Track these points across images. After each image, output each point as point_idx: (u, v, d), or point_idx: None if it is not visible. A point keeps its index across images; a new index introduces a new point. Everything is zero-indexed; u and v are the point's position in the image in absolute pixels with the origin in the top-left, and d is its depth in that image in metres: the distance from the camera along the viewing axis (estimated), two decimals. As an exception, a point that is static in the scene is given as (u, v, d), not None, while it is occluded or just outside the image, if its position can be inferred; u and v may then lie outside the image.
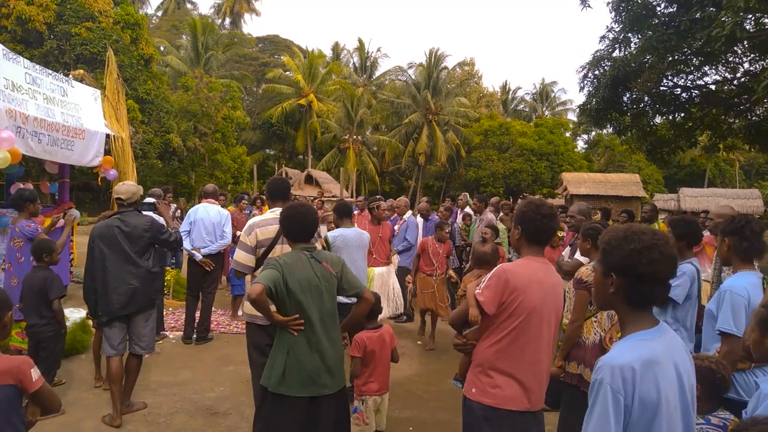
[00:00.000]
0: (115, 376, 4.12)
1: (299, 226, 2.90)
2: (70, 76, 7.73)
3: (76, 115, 6.75)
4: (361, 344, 3.45)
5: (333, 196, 23.87)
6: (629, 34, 10.17)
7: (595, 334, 3.20)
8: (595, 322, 3.22)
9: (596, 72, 10.88)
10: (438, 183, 39.02)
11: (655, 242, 1.57)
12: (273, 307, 2.75)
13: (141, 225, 4.15)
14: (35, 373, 2.17)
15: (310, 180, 28.37)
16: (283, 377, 2.75)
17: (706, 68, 10.57)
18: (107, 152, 7.40)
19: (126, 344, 4.25)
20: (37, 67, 6.47)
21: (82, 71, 8.89)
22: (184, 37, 35.10)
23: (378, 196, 7.00)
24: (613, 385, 1.50)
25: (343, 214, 4.90)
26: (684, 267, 3.63)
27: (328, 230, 5.42)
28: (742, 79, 10.49)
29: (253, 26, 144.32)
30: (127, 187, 4.31)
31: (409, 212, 7.95)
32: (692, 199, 22.60)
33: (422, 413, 4.59)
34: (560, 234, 6.20)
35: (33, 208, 4.80)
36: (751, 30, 8.48)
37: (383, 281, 6.16)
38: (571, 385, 3.24)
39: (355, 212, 9.71)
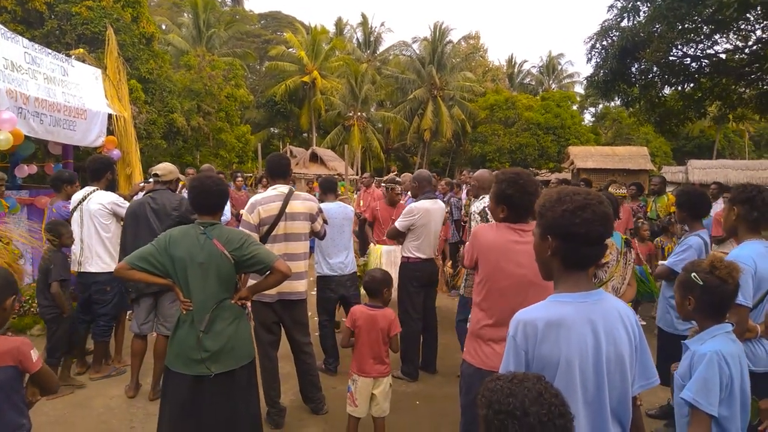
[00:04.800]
0: (136, 351, 4.31)
1: (201, 197, 2.85)
2: (72, 56, 7.66)
3: (77, 94, 6.70)
4: (352, 316, 3.38)
5: (338, 174, 23.81)
6: (638, 3, 9.92)
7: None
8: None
9: (604, 42, 10.65)
10: (443, 159, 38.80)
11: (588, 202, 1.57)
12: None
13: (170, 204, 4.25)
14: (35, 354, 2.19)
15: (315, 158, 28.26)
16: (171, 352, 2.79)
17: (717, 36, 10.29)
18: (110, 132, 7.37)
19: (152, 325, 4.32)
20: (36, 46, 6.41)
21: (82, 50, 8.79)
22: (185, 14, 34.63)
23: (396, 178, 7.01)
24: (516, 338, 1.59)
25: (327, 190, 5.18)
26: (690, 240, 3.58)
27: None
28: (754, 47, 10.23)
29: (254, 2, 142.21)
30: (165, 164, 4.50)
31: (415, 188, 7.89)
32: (701, 171, 22.30)
33: (429, 387, 4.63)
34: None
35: (71, 190, 4.84)
36: (765, -5, 8.23)
37: (393, 260, 6.14)
38: None
39: (361, 189, 9.72)
